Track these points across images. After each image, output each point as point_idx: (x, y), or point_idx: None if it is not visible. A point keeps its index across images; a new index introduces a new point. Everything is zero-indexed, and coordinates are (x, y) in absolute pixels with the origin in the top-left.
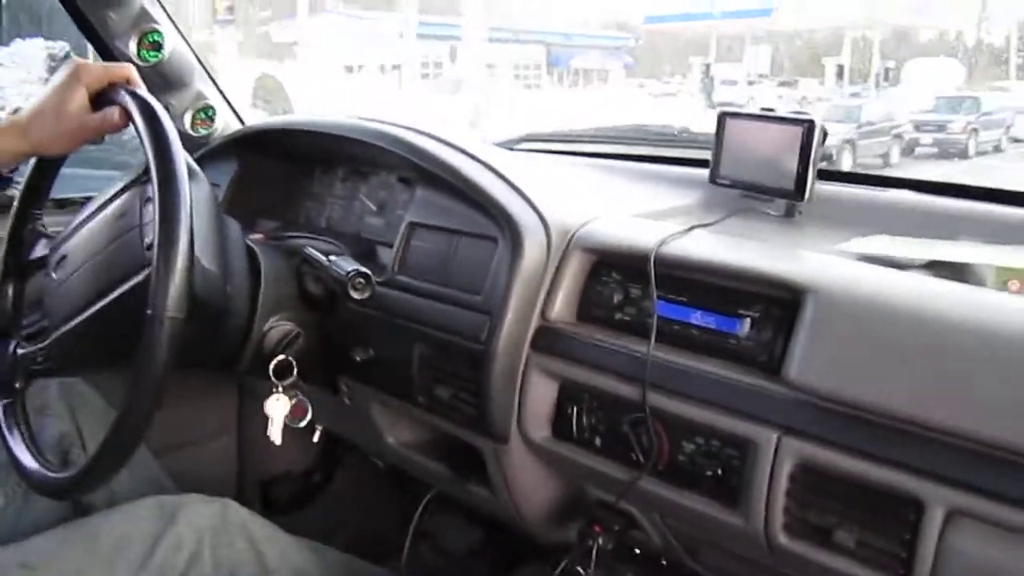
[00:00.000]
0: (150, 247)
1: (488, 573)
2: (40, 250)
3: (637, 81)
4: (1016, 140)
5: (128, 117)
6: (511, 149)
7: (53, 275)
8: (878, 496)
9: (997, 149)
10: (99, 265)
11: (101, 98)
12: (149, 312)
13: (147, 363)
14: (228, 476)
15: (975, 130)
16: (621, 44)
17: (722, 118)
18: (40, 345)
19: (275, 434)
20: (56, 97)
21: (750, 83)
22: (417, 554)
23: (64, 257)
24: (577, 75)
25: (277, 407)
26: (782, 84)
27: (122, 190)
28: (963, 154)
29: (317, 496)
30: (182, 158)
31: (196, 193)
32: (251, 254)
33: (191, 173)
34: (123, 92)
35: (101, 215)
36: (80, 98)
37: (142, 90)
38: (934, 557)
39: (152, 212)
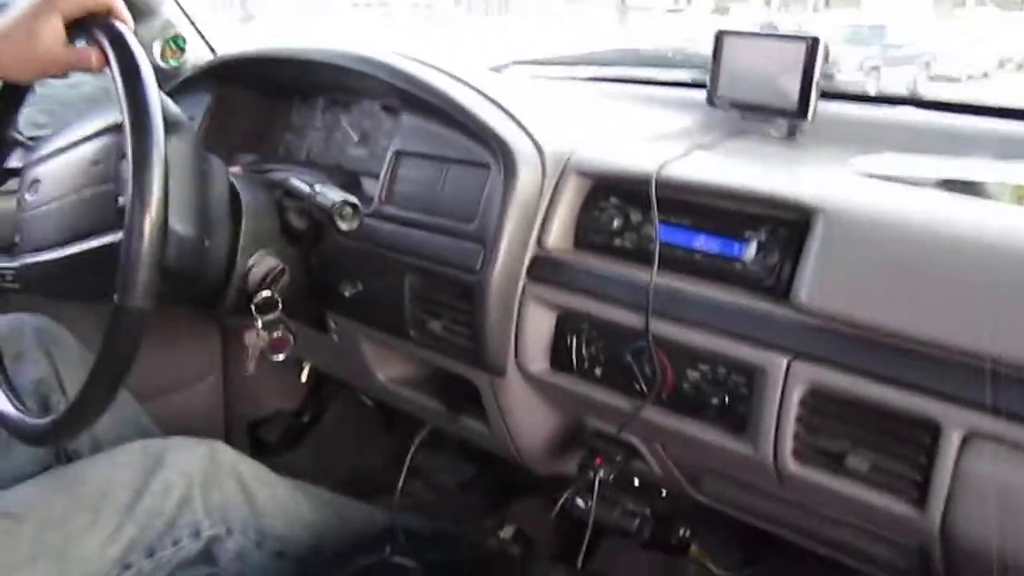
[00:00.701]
0: (122, 211)
1: (481, 507)
2: (15, 160)
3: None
4: (937, 79)
5: (106, 61)
6: (500, 73)
7: (27, 195)
8: (892, 420)
9: (912, 93)
10: (72, 208)
11: (78, 28)
12: (116, 299)
13: (111, 352)
14: (215, 418)
15: (875, 68)
16: None
17: (720, 37)
18: (10, 265)
19: (250, 365)
20: (26, 21)
21: (670, 11)
22: (409, 490)
23: (37, 181)
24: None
25: (255, 341)
26: (716, 11)
27: (101, 132)
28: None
29: (307, 436)
30: (159, 112)
31: (175, 147)
32: (231, 189)
33: (171, 125)
34: (104, 32)
35: (77, 152)
36: (53, 26)
37: (126, 30)
38: (951, 480)
39: (126, 169)
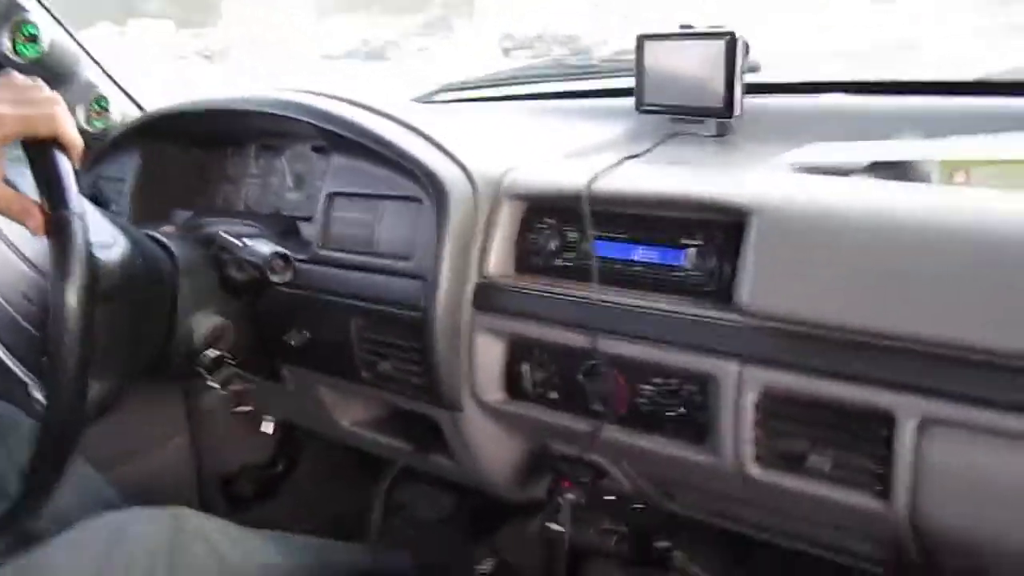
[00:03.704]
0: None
1: (464, 538)
2: None
3: None
4: None
5: (46, 231)
6: (427, 102)
7: None
8: (847, 415)
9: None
10: (3, 314)
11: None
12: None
13: (49, 450)
14: (187, 478)
15: None
16: None
17: (640, 41)
18: None
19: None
20: None
21: None
22: (390, 528)
23: None
24: None
25: (217, 400)
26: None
27: (35, 266)
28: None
29: (282, 486)
30: (80, 314)
31: (112, 309)
32: (164, 248)
33: (107, 289)
34: (49, 184)
35: (13, 263)
36: None
37: (73, 196)
38: (912, 469)
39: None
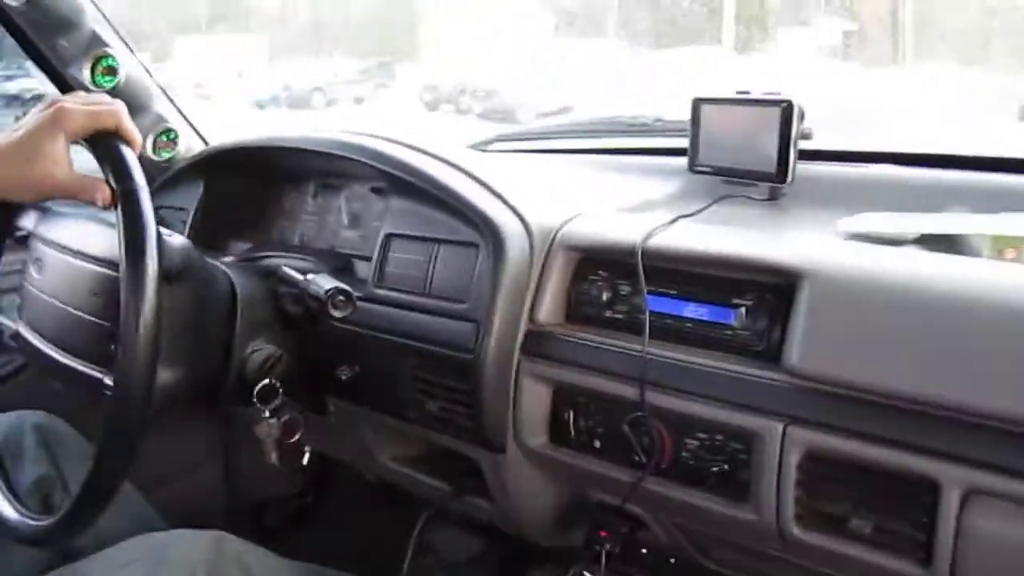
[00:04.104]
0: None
1: None
2: (29, 222)
3: None
4: None
5: (113, 201)
6: (483, 151)
7: (31, 269)
8: (891, 480)
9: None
10: (69, 322)
11: (87, 143)
12: (103, 437)
13: (108, 462)
14: (218, 505)
15: None
16: None
17: (697, 104)
18: (11, 324)
19: (273, 456)
20: (29, 141)
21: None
22: (419, 568)
23: (41, 260)
24: None
25: (268, 430)
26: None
27: (104, 261)
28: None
29: (312, 518)
30: (154, 281)
31: (176, 292)
32: (225, 277)
33: (174, 273)
34: (112, 163)
35: (79, 268)
36: (58, 149)
37: (135, 169)
38: (954, 538)
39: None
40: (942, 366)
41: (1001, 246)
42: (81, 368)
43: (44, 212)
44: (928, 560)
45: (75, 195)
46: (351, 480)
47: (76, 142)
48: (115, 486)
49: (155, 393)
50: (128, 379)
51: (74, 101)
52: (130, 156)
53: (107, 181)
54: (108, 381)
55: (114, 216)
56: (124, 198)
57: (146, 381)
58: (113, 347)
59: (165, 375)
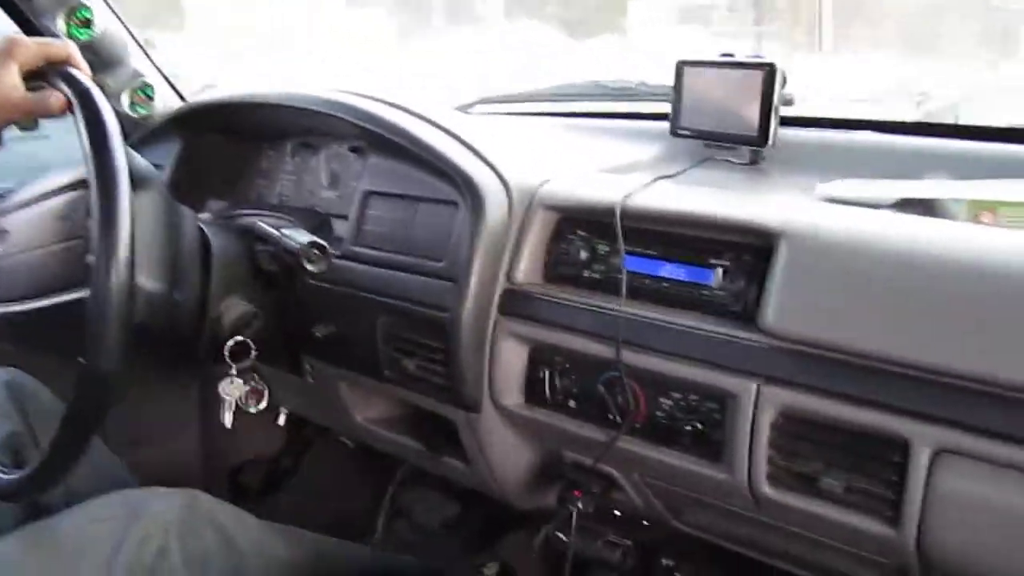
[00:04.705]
0: (90, 267)
1: (467, 544)
2: None
3: None
4: None
5: (68, 106)
6: (466, 112)
7: None
8: (863, 439)
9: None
10: (40, 262)
11: (37, 78)
12: (82, 362)
13: (79, 414)
14: (194, 466)
15: None
16: None
17: (680, 67)
18: None
19: (227, 417)
20: None
21: None
22: (393, 531)
23: (5, 232)
24: None
25: (230, 389)
26: None
27: (68, 186)
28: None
29: (288, 480)
30: (125, 171)
31: (143, 201)
32: (201, 235)
33: (138, 180)
34: (62, 76)
35: (45, 206)
36: (10, 75)
37: (84, 75)
38: (923, 497)
39: (94, 227)
40: (916, 327)
41: (977, 210)
42: (59, 300)
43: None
44: (897, 519)
45: (31, 110)
46: (329, 442)
47: (30, 77)
48: (93, 426)
49: (137, 299)
50: (107, 279)
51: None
52: (83, 74)
53: (60, 90)
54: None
55: None
56: (80, 98)
57: (125, 280)
58: (87, 258)
59: (144, 279)
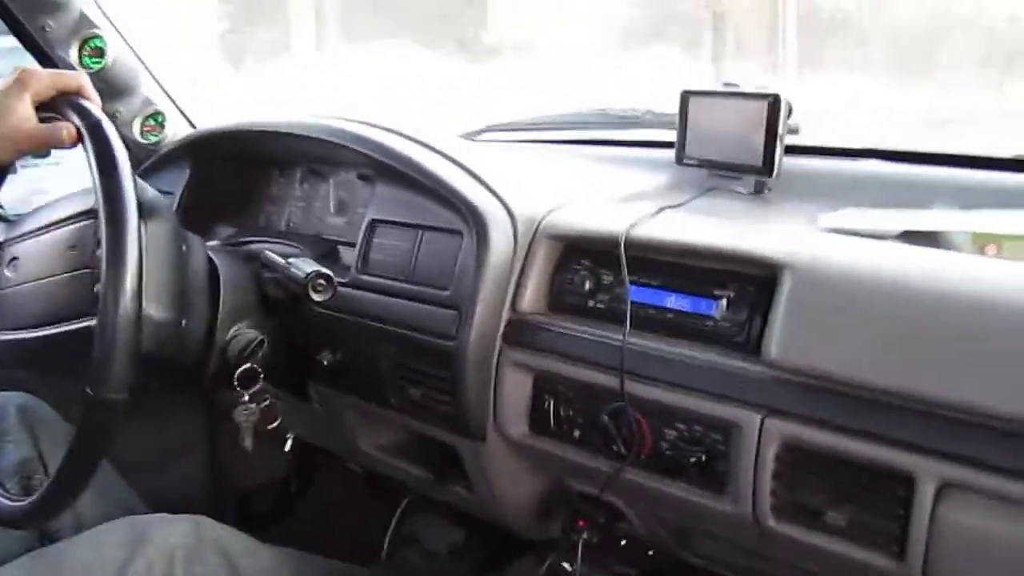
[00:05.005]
0: (98, 297)
1: (473, 572)
2: None
3: None
4: None
5: (79, 138)
6: (472, 140)
7: (5, 271)
8: (867, 473)
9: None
10: (49, 291)
11: (49, 108)
12: (88, 392)
13: (85, 442)
14: (202, 492)
15: None
16: None
17: (685, 97)
18: None
19: (247, 441)
20: None
21: None
22: (400, 557)
23: (16, 259)
24: None
25: (246, 414)
26: None
27: (78, 215)
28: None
29: (296, 506)
30: (133, 201)
31: (152, 232)
32: (209, 262)
33: (147, 210)
34: (72, 107)
35: (55, 235)
36: (24, 106)
37: (94, 106)
38: (928, 532)
39: (102, 257)
40: (919, 360)
41: (981, 242)
42: (68, 328)
43: (10, 223)
44: (902, 553)
45: (44, 142)
46: (336, 468)
47: (42, 107)
48: (99, 454)
49: (145, 329)
50: (114, 309)
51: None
52: (93, 104)
53: (71, 121)
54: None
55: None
56: (90, 130)
57: (133, 310)
58: (96, 287)
59: (152, 309)
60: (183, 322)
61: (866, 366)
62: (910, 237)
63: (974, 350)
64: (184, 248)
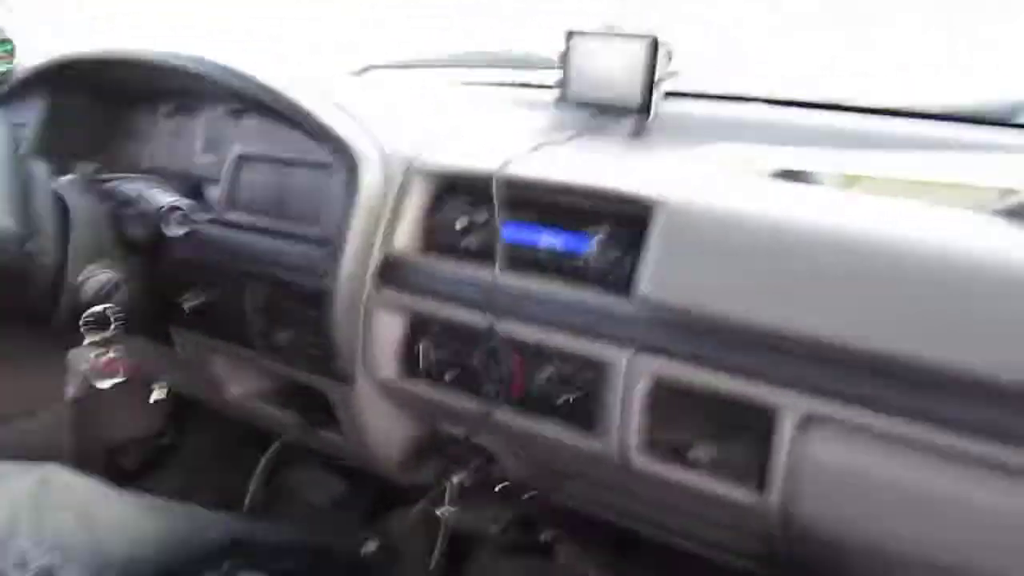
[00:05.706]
0: None
1: (355, 523)
2: None
3: None
4: None
5: None
6: (357, 77)
7: None
8: (733, 409)
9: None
10: None
11: None
12: None
13: None
14: (65, 444)
15: None
16: None
17: (569, 36)
18: None
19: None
20: None
21: None
22: (279, 510)
23: None
24: None
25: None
26: None
27: None
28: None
29: (170, 459)
30: None
31: None
32: (59, 199)
33: None
34: None
35: None
36: None
37: None
38: (788, 465)
39: None
40: (782, 296)
41: (851, 184)
42: None
43: None
44: (763, 485)
45: None
46: (212, 419)
47: None
48: None
49: None
50: None
51: None
52: None
53: None
54: None
55: None
56: None
57: None
58: None
59: None
60: (28, 245)
61: (735, 302)
62: (782, 176)
63: (836, 285)
64: (26, 167)
